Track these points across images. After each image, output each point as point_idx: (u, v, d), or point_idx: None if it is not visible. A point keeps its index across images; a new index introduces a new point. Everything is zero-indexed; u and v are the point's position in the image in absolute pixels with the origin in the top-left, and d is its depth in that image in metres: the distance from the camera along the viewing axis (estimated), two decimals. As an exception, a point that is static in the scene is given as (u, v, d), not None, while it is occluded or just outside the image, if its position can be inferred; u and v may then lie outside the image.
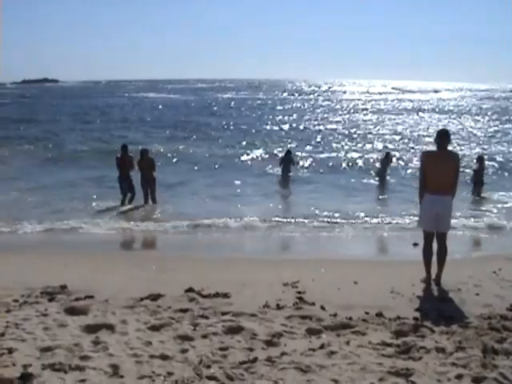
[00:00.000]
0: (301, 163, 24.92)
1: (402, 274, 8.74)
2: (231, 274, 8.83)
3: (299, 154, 26.84)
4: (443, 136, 8.24)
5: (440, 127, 20.41)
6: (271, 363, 5.30)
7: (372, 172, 22.44)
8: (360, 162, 26.18)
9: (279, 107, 66.85)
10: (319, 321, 6.52)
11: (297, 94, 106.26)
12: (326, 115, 56.03)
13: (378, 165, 22.44)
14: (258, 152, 28.67)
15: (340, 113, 60.22)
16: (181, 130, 39.05)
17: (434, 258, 8.23)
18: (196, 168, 24.11)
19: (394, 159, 23.51)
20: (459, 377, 4.98)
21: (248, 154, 27.99)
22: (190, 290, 7.61)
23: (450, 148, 8.36)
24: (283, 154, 23.13)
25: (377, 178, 21.24)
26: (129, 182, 16.25)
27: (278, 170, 22.16)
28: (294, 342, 5.90)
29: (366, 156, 27.76)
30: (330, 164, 25.99)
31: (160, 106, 65.52)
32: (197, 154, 28.04)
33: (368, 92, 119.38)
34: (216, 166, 24.42)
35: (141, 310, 6.80)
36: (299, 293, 7.59)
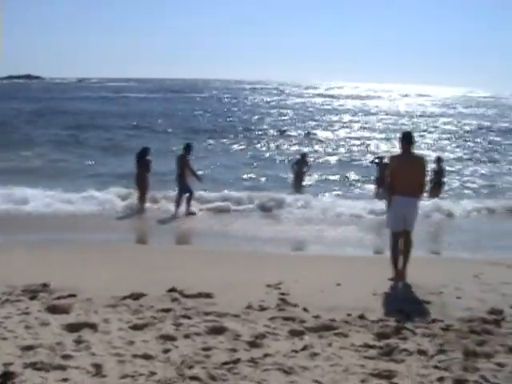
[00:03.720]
0: None
1: (384, 274, 8.81)
2: (215, 273, 8.82)
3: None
4: (407, 138, 8.60)
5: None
6: (254, 364, 5.30)
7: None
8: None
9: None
10: (302, 322, 6.54)
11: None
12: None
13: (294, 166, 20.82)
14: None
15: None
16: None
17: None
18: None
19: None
20: (441, 379, 5.02)
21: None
22: (173, 289, 7.58)
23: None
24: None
25: (292, 176, 20.59)
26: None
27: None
28: (276, 344, 5.91)
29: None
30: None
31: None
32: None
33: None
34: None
35: (123, 309, 6.79)
36: (282, 294, 7.59)
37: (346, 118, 56.00)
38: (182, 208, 15.62)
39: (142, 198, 16.09)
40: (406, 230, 8.62)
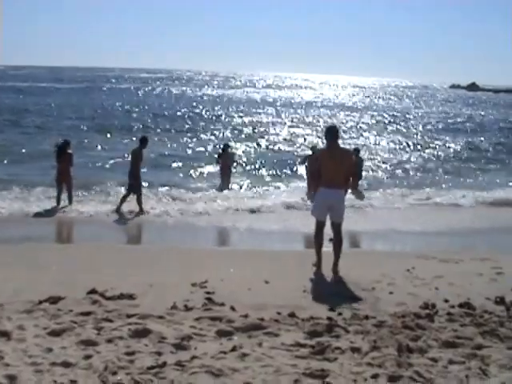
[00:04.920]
0: None
1: (313, 269, 8.72)
2: (137, 272, 8.47)
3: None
4: (332, 132, 8.77)
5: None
6: (181, 367, 5.03)
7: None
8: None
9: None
10: (230, 322, 6.29)
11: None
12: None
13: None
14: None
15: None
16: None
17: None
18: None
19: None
20: (375, 376, 4.90)
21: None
22: (93, 291, 7.16)
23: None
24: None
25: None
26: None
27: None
28: (204, 345, 5.65)
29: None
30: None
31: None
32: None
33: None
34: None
35: (40, 315, 6.31)
36: (208, 293, 7.30)
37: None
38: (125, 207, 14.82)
39: (69, 195, 15.17)
40: (334, 223, 8.72)
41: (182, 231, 13.45)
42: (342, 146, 9.21)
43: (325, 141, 8.94)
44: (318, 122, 45.86)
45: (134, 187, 14.78)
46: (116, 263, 9.29)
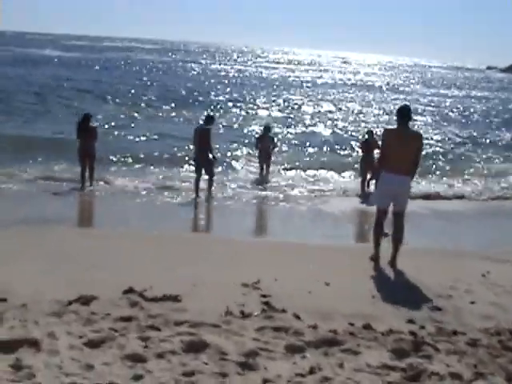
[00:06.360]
0: None
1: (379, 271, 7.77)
2: (177, 266, 7.41)
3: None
4: (403, 112, 7.97)
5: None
6: (255, 395, 4.04)
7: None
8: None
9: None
10: (298, 334, 5.26)
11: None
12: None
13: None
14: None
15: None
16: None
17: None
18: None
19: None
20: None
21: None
22: (130, 290, 6.08)
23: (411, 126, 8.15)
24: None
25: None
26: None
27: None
28: (274, 364, 4.65)
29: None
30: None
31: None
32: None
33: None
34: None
35: (71, 319, 5.22)
36: (264, 296, 6.24)
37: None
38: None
39: (91, 173, 13.82)
40: (396, 212, 8.04)
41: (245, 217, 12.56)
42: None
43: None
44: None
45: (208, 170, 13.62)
46: (151, 255, 8.10)
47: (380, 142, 9.12)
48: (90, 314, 5.40)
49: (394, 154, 7.78)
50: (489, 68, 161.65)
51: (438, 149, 24.73)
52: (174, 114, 30.22)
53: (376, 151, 13.95)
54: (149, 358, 4.58)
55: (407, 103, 8.78)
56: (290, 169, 18.46)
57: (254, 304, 6.03)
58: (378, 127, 25.26)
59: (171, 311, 5.65)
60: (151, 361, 4.54)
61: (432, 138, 27.16)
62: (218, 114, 27.28)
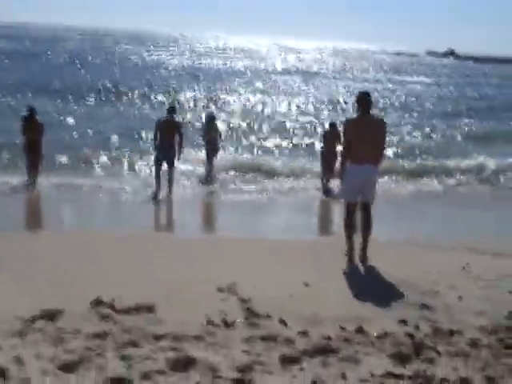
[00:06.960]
0: None
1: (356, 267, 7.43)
2: (140, 270, 6.86)
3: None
4: (363, 99, 7.58)
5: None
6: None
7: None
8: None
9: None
10: (289, 343, 4.84)
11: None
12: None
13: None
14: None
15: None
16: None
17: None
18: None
19: None
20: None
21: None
22: (99, 301, 5.52)
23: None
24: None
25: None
26: None
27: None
28: (273, 380, 4.24)
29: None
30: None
31: None
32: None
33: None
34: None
35: (38, 338, 4.61)
36: (243, 301, 5.76)
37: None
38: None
39: (34, 171, 12.91)
40: (364, 203, 7.71)
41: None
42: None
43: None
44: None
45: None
46: (109, 258, 7.43)
47: (342, 134, 8.73)
48: (57, 332, 4.80)
49: (357, 144, 7.43)
50: (428, 53, 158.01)
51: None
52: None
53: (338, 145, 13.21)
54: (134, 379, 4.08)
55: (366, 90, 8.36)
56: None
57: (234, 310, 5.54)
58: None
59: (147, 324, 5.11)
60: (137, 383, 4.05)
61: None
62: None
